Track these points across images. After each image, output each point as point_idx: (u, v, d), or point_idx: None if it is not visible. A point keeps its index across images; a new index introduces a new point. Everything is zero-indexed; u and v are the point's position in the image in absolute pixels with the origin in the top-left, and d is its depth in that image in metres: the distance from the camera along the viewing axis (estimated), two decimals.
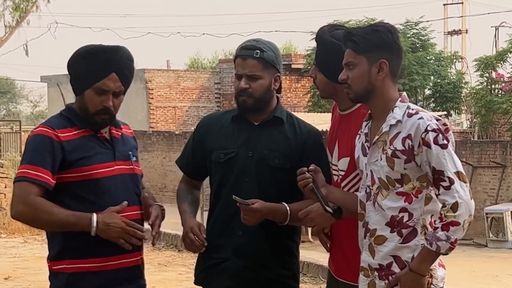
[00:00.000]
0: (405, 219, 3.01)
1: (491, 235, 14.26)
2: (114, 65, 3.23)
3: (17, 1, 26.95)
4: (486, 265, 12.01)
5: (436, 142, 2.95)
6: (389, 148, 3.03)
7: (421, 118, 2.99)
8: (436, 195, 2.98)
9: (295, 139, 3.49)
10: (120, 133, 3.37)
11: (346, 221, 3.29)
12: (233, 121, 3.53)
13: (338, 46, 3.31)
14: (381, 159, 3.06)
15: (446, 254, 2.94)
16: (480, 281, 10.53)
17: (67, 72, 3.34)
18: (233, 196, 3.28)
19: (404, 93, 3.15)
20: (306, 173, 3.20)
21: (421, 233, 3.01)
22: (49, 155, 3.14)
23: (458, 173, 2.94)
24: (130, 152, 3.37)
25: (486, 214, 14.32)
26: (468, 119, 22.67)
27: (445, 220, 2.90)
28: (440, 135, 2.96)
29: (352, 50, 3.11)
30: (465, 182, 2.94)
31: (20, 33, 37.18)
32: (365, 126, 3.19)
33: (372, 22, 20.44)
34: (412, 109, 3.05)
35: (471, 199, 2.94)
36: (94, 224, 3.12)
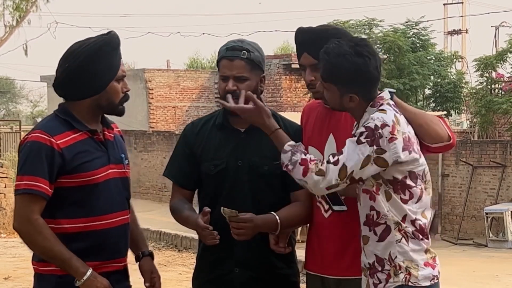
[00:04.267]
0: (375, 217, 3.05)
1: (491, 235, 14.28)
2: (120, 50, 3.24)
3: (17, 1, 26.96)
4: (486, 265, 12.03)
5: (359, 135, 2.99)
6: None
7: (371, 118, 3.00)
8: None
9: None
10: (112, 135, 3.34)
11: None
12: (218, 129, 3.45)
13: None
14: None
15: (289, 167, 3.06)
16: (480, 281, 10.54)
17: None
18: (222, 208, 3.18)
19: (382, 94, 3.11)
20: None
21: (394, 229, 3.03)
22: (47, 165, 3.09)
23: (343, 166, 2.98)
24: (123, 155, 3.34)
25: (486, 214, 14.34)
26: (468, 119, 22.70)
27: (313, 169, 2.99)
28: (367, 132, 2.97)
29: (321, 75, 3.11)
30: (341, 179, 2.98)
31: (20, 33, 37.19)
32: (354, 126, 3.18)
33: (372, 22, 20.65)
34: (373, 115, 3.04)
35: (321, 187, 3.00)
36: (86, 276, 3.09)
